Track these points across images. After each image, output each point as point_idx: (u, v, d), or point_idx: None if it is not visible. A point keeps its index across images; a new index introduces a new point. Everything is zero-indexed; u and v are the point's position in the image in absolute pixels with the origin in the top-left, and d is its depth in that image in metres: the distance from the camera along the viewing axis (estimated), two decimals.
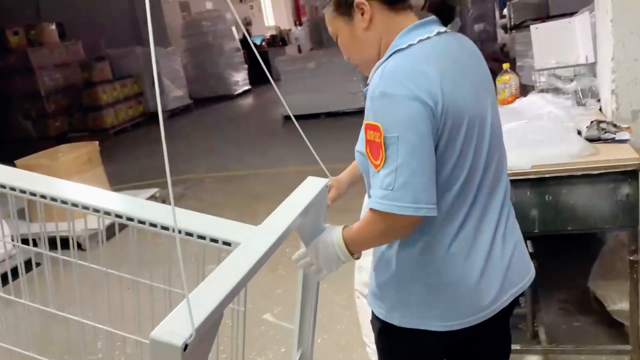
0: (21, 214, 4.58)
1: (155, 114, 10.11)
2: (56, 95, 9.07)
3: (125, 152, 8.08)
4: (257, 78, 13.17)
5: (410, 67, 1.14)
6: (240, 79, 12.17)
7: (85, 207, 1.04)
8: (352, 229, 1.21)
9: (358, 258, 1.26)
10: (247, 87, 12.42)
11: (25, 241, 1.36)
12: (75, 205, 1.05)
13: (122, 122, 9.41)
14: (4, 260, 3.85)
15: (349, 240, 1.20)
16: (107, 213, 1.01)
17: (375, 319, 1.34)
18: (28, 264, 1.40)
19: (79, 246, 3.22)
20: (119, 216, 1.00)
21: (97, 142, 4.97)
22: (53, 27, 9.32)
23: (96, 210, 1.02)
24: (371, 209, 1.13)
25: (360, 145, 1.24)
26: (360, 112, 7.98)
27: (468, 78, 1.21)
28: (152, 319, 1.01)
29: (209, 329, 0.69)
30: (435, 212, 1.12)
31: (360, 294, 2.62)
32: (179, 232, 0.91)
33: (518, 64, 7.03)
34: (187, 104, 10.75)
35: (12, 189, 1.12)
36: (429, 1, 1.28)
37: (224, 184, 5.96)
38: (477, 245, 1.24)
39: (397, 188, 1.09)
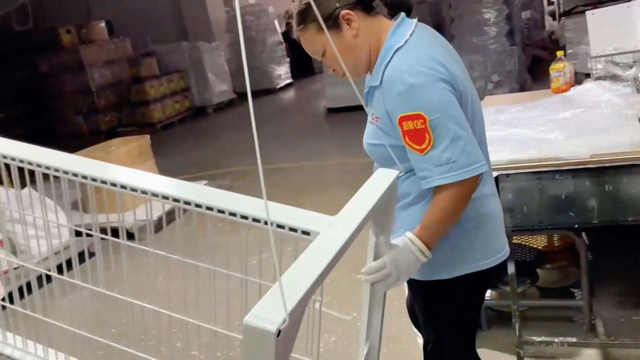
0: (74, 206, 4.76)
1: (200, 109, 10.30)
2: (105, 91, 9.35)
3: (173, 145, 8.26)
4: (299, 71, 13.24)
5: (420, 56, 1.28)
6: (282, 73, 12.24)
7: (154, 194, 1.05)
8: (422, 224, 1.29)
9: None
10: (289, 81, 12.48)
11: (79, 232, 1.42)
12: (144, 192, 1.06)
13: (169, 117, 9.62)
14: (59, 251, 4.02)
15: (424, 233, 1.27)
16: (176, 200, 1.03)
17: (419, 286, 1.45)
18: (81, 256, 1.39)
19: (131, 236, 3.31)
20: (187, 202, 1.02)
21: (148, 136, 5.10)
22: (102, 24, 9.59)
23: (165, 197, 1.03)
24: (437, 188, 1.27)
25: (371, 137, 1.40)
26: None
27: (454, 58, 1.38)
28: (226, 307, 1.03)
29: (297, 316, 0.70)
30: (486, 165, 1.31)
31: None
32: (257, 221, 0.93)
33: (569, 51, 6.81)
34: (232, 98, 10.89)
35: (75, 174, 1.14)
36: (388, 2, 1.41)
37: (269, 176, 6.02)
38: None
39: (459, 157, 1.24)
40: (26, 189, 1.33)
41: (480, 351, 2.43)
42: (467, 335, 1.62)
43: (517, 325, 2.24)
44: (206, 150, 7.65)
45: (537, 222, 2.08)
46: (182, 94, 10.06)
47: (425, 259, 1.26)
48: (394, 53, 1.30)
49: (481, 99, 7.25)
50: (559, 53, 2.98)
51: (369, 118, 1.41)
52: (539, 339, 2.27)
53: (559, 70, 2.90)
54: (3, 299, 1.37)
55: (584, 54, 3.13)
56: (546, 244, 2.78)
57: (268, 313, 0.67)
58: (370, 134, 1.41)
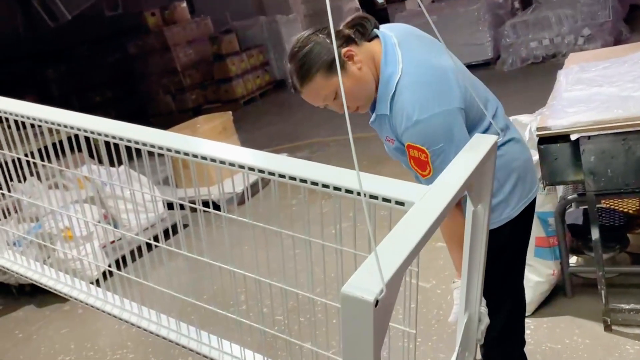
0: (166, 182, 5.05)
1: (281, 82, 10.45)
2: (191, 70, 9.71)
3: (255, 120, 8.48)
4: None
5: (422, 92, 1.34)
6: None
7: (241, 166, 1.07)
8: (454, 258, 1.47)
9: None
10: None
11: (172, 206, 1.53)
12: (232, 164, 1.08)
13: (251, 92, 9.85)
14: (155, 224, 4.32)
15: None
16: (271, 173, 1.04)
17: None
18: (174, 229, 1.49)
19: (218, 209, 3.47)
20: (275, 174, 1.03)
21: (230, 113, 5.28)
22: (184, 5, 9.91)
23: (254, 169, 1.06)
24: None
25: (394, 151, 1.49)
26: (487, 64, 7.61)
27: (440, 49, 1.45)
28: (324, 277, 1.08)
29: (395, 286, 0.70)
30: None
31: None
32: (350, 192, 0.94)
33: None
34: None
35: (168, 149, 1.19)
36: (353, 20, 1.46)
37: (348, 147, 6.03)
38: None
39: None
40: (122, 167, 1.45)
41: (564, 318, 2.39)
42: (518, 283, 1.70)
43: (603, 292, 2.16)
44: (286, 123, 7.78)
45: (623, 185, 1.98)
46: (263, 68, 10.24)
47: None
48: (397, 84, 1.37)
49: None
50: None
51: (384, 139, 1.50)
52: (627, 307, 2.18)
53: None
54: (109, 267, 1.51)
55: None
56: (638, 207, 2.63)
57: (365, 283, 0.67)
58: (391, 150, 1.52)
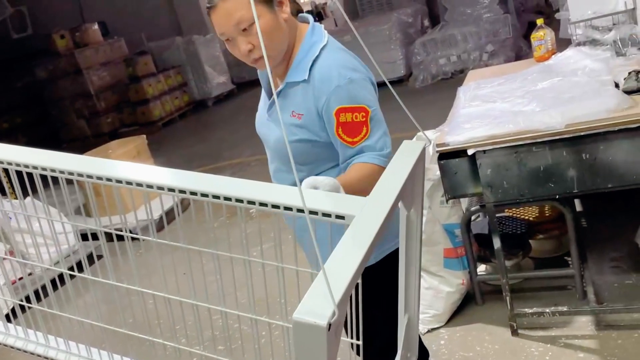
0: (78, 211, 4.82)
1: (200, 102, 10.31)
2: (105, 93, 9.40)
3: (175, 142, 8.31)
4: None
5: (348, 55, 1.40)
6: None
7: (159, 187, 1.01)
8: (350, 179, 1.29)
9: None
10: None
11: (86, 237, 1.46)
12: (162, 188, 1.02)
13: (170, 113, 9.65)
14: (69, 255, 4.11)
15: (346, 185, 1.23)
16: (204, 194, 0.99)
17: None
18: (89, 260, 1.43)
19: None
20: (215, 196, 0.97)
21: (144, 136, 5.14)
22: (96, 27, 9.60)
23: (175, 190, 1.00)
24: (375, 165, 1.32)
25: (290, 134, 1.40)
26: (400, 81, 7.87)
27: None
28: (266, 297, 1.05)
29: (344, 305, 0.69)
30: None
31: None
32: (289, 209, 0.91)
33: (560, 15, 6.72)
34: (230, 89, 10.88)
35: (89, 176, 1.09)
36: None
37: (264, 167, 6.04)
38: None
39: (389, 148, 1.36)
40: (29, 198, 1.36)
41: (475, 326, 2.49)
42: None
43: (508, 298, 2.26)
44: (207, 143, 7.69)
45: (518, 195, 2.09)
46: (181, 89, 10.08)
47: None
48: (321, 51, 1.36)
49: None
50: (539, 21, 2.96)
51: (287, 115, 1.40)
52: (530, 311, 2.29)
53: (540, 38, 2.87)
54: (20, 305, 1.41)
55: (565, 19, 3.09)
56: (537, 214, 2.79)
57: (317, 307, 0.66)
58: (288, 130, 1.40)
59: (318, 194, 0.96)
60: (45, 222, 1.37)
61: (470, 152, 2.10)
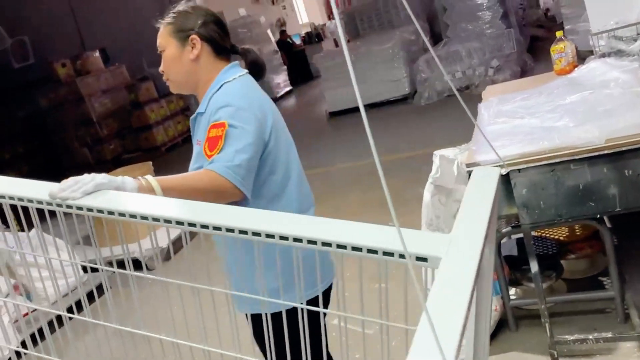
0: (87, 240, 4.73)
1: None
2: (107, 120, 9.34)
3: (179, 166, 8.12)
4: (297, 78, 13.17)
5: (242, 90, 1.55)
6: (281, 81, 12.18)
7: (181, 222, 0.96)
8: (172, 178, 1.37)
9: None
10: (288, 88, 12.41)
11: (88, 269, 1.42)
12: (155, 219, 0.99)
13: (172, 138, 9.58)
14: (76, 287, 3.98)
15: (164, 180, 1.33)
16: (201, 226, 0.92)
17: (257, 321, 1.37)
18: (99, 291, 1.38)
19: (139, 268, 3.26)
20: (217, 228, 0.91)
21: (150, 163, 5.04)
22: (97, 54, 9.58)
23: (182, 223, 0.94)
24: (212, 171, 1.40)
25: (193, 162, 1.55)
26: (405, 99, 7.81)
27: (271, 103, 1.64)
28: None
29: None
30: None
31: None
32: (358, 249, 0.81)
33: (567, 27, 6.67)
34: None
35: (89, 209, 1.08)
36: (247, 61, 1.69)
37: None
38: None
39: (240, 161, 1.42)
40: (34, 231, 1.31)
41: (512, 355, 2.35)
42: None
43: (547, 325, 2.13)
44: None
45: (555, 216, 1.98)
46: (183, 113, 10.03)
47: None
48: (222, 85, 1.55)
49: (483, 86, 7.07)
50: (558, 33, 2.88)
51: (194, 144, 1.59)
52: (572, 337, 2.16)
53: (560, 51, 2.79)
54: (23, 344, 1.32)
55: (584, 30, 3.01)
56: (567, 233, 2.67)
57: None
58: (193, 159, 1.56)
59: (380, 229, 0.84)
60: (51, 254, 1.31)
61: (503, 171, 1.99)
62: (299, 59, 13.68)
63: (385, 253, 0.80)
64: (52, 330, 1.32)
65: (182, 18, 1.60)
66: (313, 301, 1.35)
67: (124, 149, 9.57)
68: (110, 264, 1.20)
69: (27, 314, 3.72)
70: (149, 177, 1.32)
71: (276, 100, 11.72)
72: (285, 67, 12.51)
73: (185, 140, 9.82)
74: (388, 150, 5.93)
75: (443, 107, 6.98)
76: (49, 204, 1.11)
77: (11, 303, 3.21)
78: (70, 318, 1.21)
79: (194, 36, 1.57)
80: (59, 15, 9.69)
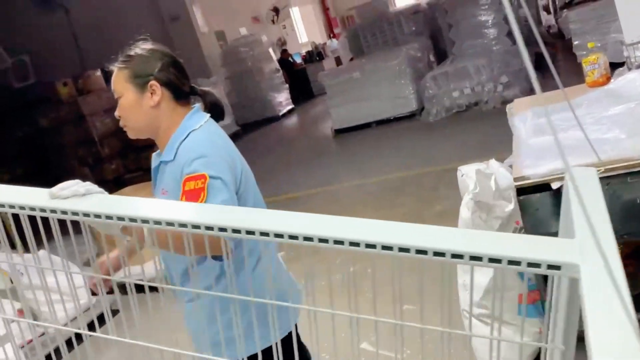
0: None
1: None
2: (109, 139, 9.22)
3: None
4: (299, 96, 13.14)
5: (211, 138, 1.50)
6: (283, 99, 12.13)
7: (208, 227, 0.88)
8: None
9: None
10: (290, 107, 12.36)
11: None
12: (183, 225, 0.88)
13: None
14: (89, 309, 3.84)
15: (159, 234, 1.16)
16: (292, 237, 0.82)
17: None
18: (113, 313, 1.29)
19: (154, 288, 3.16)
20: (278, 236, 0.82)
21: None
22: (98, 73, 9.50)
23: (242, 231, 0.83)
24: None
25: None
26: (412, 116, 7.74)
27: (234, 147, 1.61)
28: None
29: None
30: None
31: (467, 312, 2.40)
32: (480, 259, 0.71)
33: (575, 42, 6.65)
34: (235, 130, 10.75)
35: (120, 218, 0.98)
36: (207, 103, 1.63)
37: (285, 207, 5.82)
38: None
39: None
40: (42, 251, 1.20)
41: None
42: None
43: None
44: None
45: None
46: None
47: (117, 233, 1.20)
48: (189, 133, 1.49)
49: (494, 103, 6.97)
50: (590, 45, 2.80)
51: (159, 193, 1.55)
52: None
53: (593, 62, 2.71)
54: None
55: (615, 42, 2.94)
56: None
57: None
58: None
59: (498, 237, 0.75)
60: (60, 276, 1.22)
61: (555, 185, 1.88)
62: (300, 78, 13.67)
63: (511, 262, 0.71)
64: (59, 357, 1.25)
65: (139, 62, 1.52)
66: (268, 350, 1.17)
67: (125, 168, 9.44)
68: (123, 287, 1.13)
69: (30, 340, 3.58)
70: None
71: (279, 118, 11.67)
72: (286, 85, 12.47)
73: None
74: (398, 168, 5.85)
75: (452, 124, 6.91)
76: (43, 210, 1.04)
77: (19, 326, 3.07)
78: (88, 336, 1.14)
79: (153, 82, 1.50)
80: (59, 35, 9.65)
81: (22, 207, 1.02)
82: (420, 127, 7.27)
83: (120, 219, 0.94)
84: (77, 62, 10.39)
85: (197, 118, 1.55)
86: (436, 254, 0.75)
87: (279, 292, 1.49)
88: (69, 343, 1.24)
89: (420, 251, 0.76)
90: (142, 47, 1.56)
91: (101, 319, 1.29)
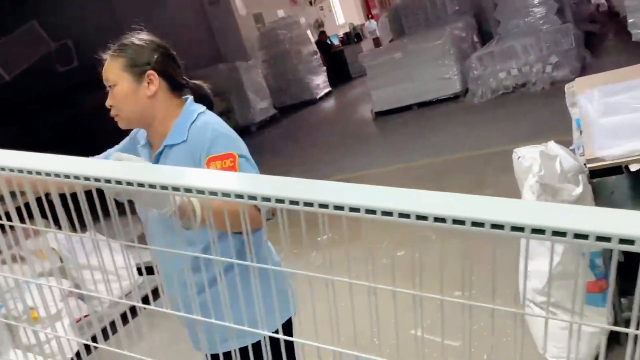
0: (142, 240, 4.64)
1: (244, 128, 10.17)
2: None
3: None
4: (337, 79, 13.02)
5: (223, 121, 1.54)
6: (320, 82, 12.03)
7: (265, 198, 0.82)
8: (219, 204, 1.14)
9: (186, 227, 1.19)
10: (328, 90, 12.26)
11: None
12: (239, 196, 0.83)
13: None
14: (130, 292, 3.88)
15: (215, 207, 1.14)
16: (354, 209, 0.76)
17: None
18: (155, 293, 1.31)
19: None
20: (354, 209, 0.75)
21: None
22: None
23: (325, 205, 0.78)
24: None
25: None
26: (456, 97, 7.56)
27: None
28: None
29: None
30: None
31: (531, 302, 2.31)
32: (540, 232, 0.64)
33: (630, 20, 6.36)
34: (273, 114, 10.74)
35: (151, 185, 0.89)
36: (198, 96, 1.63)
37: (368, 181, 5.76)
38: None
39: None
40: (88, 233, 1.19)
41: None
42: None
43: None
44: (263, 168, 7.47)
45: None
46: (225, 115, 9.95)
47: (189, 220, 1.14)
48: (198, 115, 1.51)
49: (543, 84, 6.75)
50: None
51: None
52: None
53: None
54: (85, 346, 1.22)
55: None
56: None
57: None
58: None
59: (593, 211, 0.67)
60: (107, 256, 1.20)
61: (634, 167, 1.77)
62: (338, 60, 13.52)
63: (600, 238, 0.63)
64: (106, 337, 1.23)
65: (135, 51, 1.50)
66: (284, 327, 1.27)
67: None
68: None
69: (85, 316, 3.65)
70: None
71: (316, 101, 11.59)
72: (324, 68, 12.36)
73: None
74: (443, 151, 5.71)
75: (498, 106, 6.71)
76: (97, 179, 0.93)
77: (69, 305, 3.12)
78: (142, 309, 1.09)
79: (151, 71, 1.50)
80: (102, 18, 9.76)
81: (76, 177, 0.95)
82: (464, 109, 7.09)
83: (176, 189, 0.88)
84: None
85: (197, 105, 1.57)
86: (514, 228, 0.68)
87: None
88: (123, 317, 1.23)
89: (496, 226, 0.68)
90: (138, 37, 1.55)
91: (155, 292, 1.30)
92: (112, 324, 1.19)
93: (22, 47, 8.53)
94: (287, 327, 1.51)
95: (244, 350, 1.09)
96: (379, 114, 8.15)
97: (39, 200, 1.08)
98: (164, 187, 0.88)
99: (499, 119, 6.15)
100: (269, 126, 10.40)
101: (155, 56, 1.51)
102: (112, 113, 1.53)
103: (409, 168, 5.65)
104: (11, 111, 9.42)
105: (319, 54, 12.27)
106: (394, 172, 5.78)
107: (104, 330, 1.25)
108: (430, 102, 7.73)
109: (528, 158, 2.38)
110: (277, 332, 0.99)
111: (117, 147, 1.75)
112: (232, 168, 1.39)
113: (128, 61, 1.49)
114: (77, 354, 1.25)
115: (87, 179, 0.94)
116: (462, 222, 0.69)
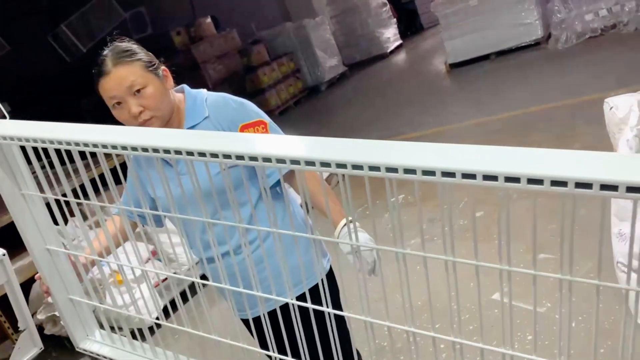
0: None
1: (314, 88, 10.08)
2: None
3: (295, 130, 8.08)
4: (407, 30, 12.55)
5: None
6: (390, 35, 11.65)
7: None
8: (334, 209, 1.56)
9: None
10: (398, 43, 11.86)
11: None
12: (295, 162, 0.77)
13: (285, 102, 9.51)
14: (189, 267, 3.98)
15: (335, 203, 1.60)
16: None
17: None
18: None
19: None
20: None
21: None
22: (209, 20, 9.64)
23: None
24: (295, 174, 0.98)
25: (215, 168, 1.41)
26: (537, 44, 7.06)
27: None
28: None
29: None
30: None
31: (623, 265, 2.13)
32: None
33: None
34: (343, 71, 10.55)
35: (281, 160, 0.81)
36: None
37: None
38: None
39: None
40: None
41: None
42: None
43: None
44: (329, 129, 7.41)
45: None
46: (294, 75, 9.90)
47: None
48: (204, 94, 1.61)
49: (636, 24, 6.21)
50: None
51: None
52: None
53: None
54: (172, 304, 1.23)
55: None
56: None
57: None
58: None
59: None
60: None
61: None
62: (408, 10, 13.02)
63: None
64: (185, 300, 1.22)
65: (142, 52, 1.56)
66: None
67: None
68: None
69: (165, 279, 3.79)
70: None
71: (387, 56, 11.26)
72: (394, 20, 11.93)
73: (296, 103, 9.73)
74: (525, 103, 5.38)
75: (585, 51, 6.20)
76: (178, 152, 0.86)
77: (151, 267, 3.22)
78: (204, 285, 1.07)
79: (164, 67, 1.59)
80: None
81: (155, 150, 0.90)
82: (547, 56, 6.61)
83: (267, 160, 0.80)
84: (187, 10, 10.62)
85: (198, 91, 1.66)
86: (604, 187, 0.56)
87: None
88: (192, 289, 1.25)
89: (580, 184, 0.57)
90: (129, 42, 1.58)
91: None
92: (192, 286, 1.18)
93: (96, 19, 8.78)
94: (330, 275, 1.70)
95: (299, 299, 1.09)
96: (454, 66, 7.79)
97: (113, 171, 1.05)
98: (266, 159, 0.80)
99: (587, 66, 5.69)
100: (338, 84, 10.25)
101: (150, 53, 1.59)
102: (144, 117, 1.49)
103: (487, 122, 5.37)
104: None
105: (388, 5, 11.84)
106: (471, 127, 5.53)
107: (182, 294, 1.25)
108: (510, 50, 7.27)
109: (623, 108, 2.15)
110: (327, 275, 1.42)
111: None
112: (266, 133, 1.48)
113: (145, 63, 1.53)
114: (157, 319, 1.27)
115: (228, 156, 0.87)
116: (540, 182, 0.60)
